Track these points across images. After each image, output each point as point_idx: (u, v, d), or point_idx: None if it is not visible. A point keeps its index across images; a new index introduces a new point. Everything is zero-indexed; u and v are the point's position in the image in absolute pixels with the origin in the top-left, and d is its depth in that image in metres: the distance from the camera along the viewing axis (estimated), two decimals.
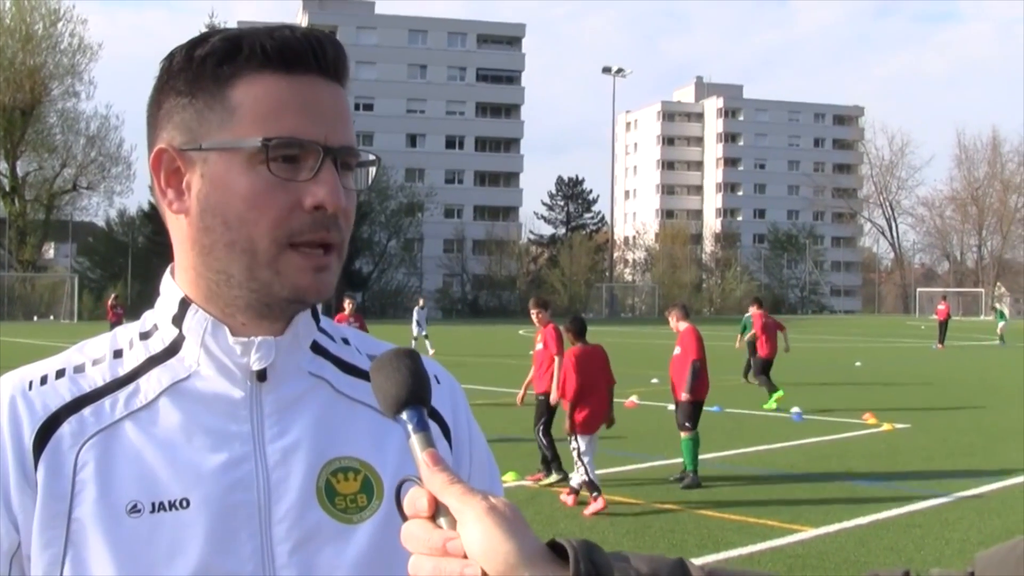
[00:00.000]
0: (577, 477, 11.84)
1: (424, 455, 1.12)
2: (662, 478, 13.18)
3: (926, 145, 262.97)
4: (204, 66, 1.44)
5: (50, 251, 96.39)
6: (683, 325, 13.54)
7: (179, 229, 1.49)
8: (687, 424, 13.05)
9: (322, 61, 1.46)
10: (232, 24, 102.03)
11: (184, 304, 1.50)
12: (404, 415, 1.18)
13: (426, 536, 1.07)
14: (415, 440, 1.15)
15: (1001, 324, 54.33)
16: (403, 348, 1.26)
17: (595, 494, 11.47)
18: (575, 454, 11.73)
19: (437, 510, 1.08)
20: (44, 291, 79.00)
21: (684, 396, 13.13)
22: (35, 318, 73.44)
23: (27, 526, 1.39)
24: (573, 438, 11.80)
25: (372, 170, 1.55)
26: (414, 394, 1.19)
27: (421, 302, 39.01)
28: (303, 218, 1.42)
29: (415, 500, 1.10)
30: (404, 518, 1.11)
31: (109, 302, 43.74)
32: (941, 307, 50.74)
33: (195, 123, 1.45)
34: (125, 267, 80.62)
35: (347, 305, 20.47)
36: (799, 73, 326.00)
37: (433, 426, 1.55)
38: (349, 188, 1.48)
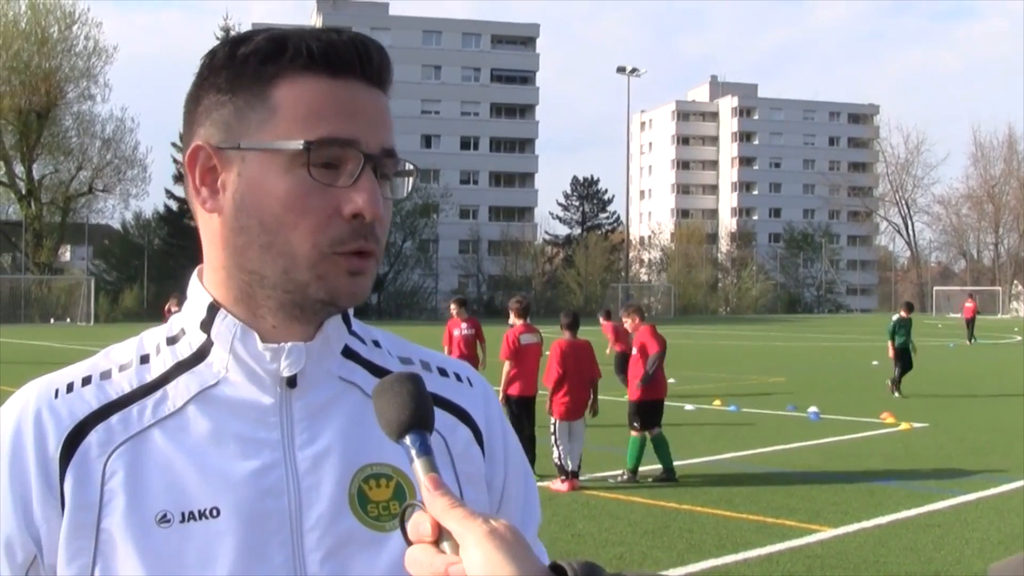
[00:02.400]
0: (571, 463, 12.80)
1: (426, 479, 1.12)
2: (679, 478, 13.14)
3: (942, 143, 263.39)
4: (247, 64, 1.42)
5: (66, 254, 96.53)
6: (642, 327, 13.78)
7: (211, 228, 1.47)
8: (635, 424, 13.25)
9: (367, 67, 1.45)
10: (247, 26, 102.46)
11: (213, 309, 1.48)
12: (407, 439, 1.18)
13: (429, 561, 1.08)
14: (418, 464, 1.15)
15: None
16: (405, 372, 1.25)
17: (562, 477, 12.65)
18: (552, 438, 12.77)
19: (440, 535, 1.09)
20: (61, 293, 79.13)
21: (636, 389, 13.35)
22: (52, 320, 73.59)
23: (51, 538, 1.37)
24: (552, 423, 12.82)
25: (410, 180, 1.52)
26: (417, 418, 1.19)
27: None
28: (342, 226, 1.40)
29: (418, 525, 1.10)
30: (408, 543, 1.11)
31: (167, 306, 41.96)
32: (968, 305, 49.84)
33: (234, 121, 1.43)
34: (141, 269, 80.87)
35: (454, 309, 18.44)
36: (814, 71, 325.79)
37: (464, 429, 1.58)
38: (387, 197, 1.46)
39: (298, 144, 1.39)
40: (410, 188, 1.53)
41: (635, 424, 13.20)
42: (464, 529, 1.06)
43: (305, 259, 1.40)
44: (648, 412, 13.28)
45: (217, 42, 1.50)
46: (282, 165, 1.40)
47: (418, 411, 1.19)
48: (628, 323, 14.03)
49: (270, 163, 1.40)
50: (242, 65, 1.43)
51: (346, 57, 1.43)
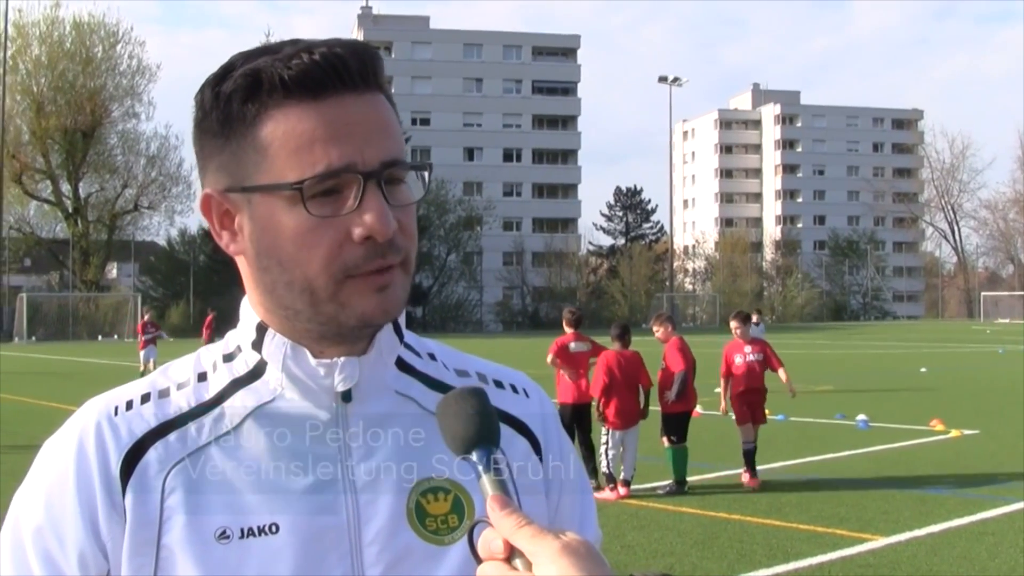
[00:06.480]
0: (625, 472, 12.94)
1: (492, 499, 1.12)
2: (728, 487, 13.07)
3: (987, 147, 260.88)
4: (231, 105, 1.39)
5: (113, 271, 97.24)
6: (671, 339, 13.77)
7: (241, 267, 1.48)
8: (673, 437, 13.23)
9: (347, 78, 1.38)
10: None
11: (261, 329, 1.48)
12: (473, 455, 1.17)
13: None
14: (485, 481, 1.14)
15: None
16: (470, 387, 1.24)
17: (611, 485, 12.74)
18: (603, 448, 12.94)
19: (512, 552, 1.08)
20: (108, 310, 79.64)
21: (667, 403, 13.40)
22: (99, 337, 74.09)
23: (116, 553, 1.38)
24: (604, 432, 13.00)
25: (426, 175, 1.46)
26: (483, 434, 1.18)
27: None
28: (356, 250, 1.37)
29: (489, 542, 1.10)
30: (478, 560, 1.11)
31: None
32: None
33: (234, 166, 1.41)
34: (187, 285, 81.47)
35: (567, 322, 14.68)
36: (856, 77, 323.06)
37: (522, 441, 1.58)
38: (403, 203, 1.41)
39: (289, 184, 1.36)
40: (428, 183, 1.47)
41: (672, 438, 13.19)
42: (536, 547, 1.05)
43: (324, 291, 1.38)
44: (679, 423, 13.31)
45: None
46: (285, 204, 1.37)
47: (484, 427, 1.18)
48: (659, 332, 13.94)
49: (274, 203, 1.38)
50: (227, 106, 1.39)
51: (321, 76, 1.37)
